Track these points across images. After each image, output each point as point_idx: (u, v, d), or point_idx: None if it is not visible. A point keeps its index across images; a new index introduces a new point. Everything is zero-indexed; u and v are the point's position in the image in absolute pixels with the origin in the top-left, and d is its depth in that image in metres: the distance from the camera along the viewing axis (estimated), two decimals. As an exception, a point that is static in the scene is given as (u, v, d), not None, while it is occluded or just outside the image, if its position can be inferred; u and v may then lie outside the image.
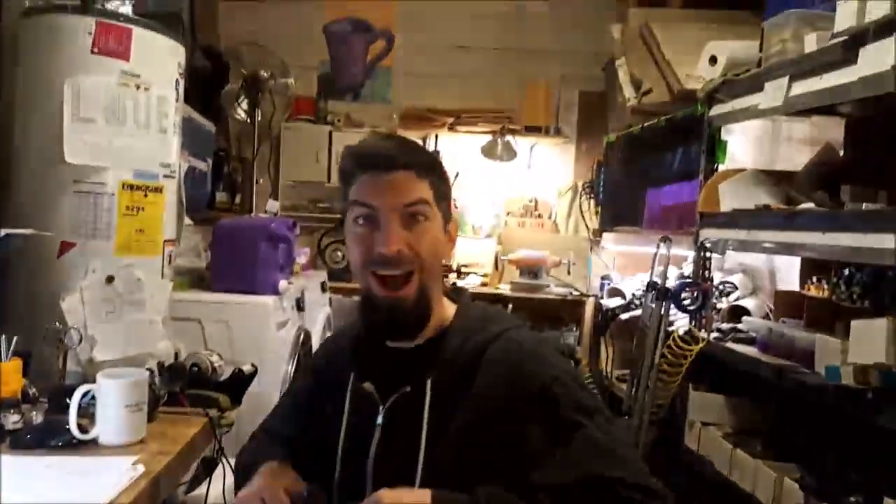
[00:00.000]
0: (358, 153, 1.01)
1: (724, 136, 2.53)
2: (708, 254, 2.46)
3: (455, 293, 1.11)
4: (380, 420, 1.01)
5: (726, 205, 2.27)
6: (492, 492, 0.89)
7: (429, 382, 0.99)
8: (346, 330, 1.17)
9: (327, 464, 1.06)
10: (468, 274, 4.08)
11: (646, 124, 3.13)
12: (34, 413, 1.20)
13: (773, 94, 1.98)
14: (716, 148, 2.47)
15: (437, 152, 3.96)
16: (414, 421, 0.98)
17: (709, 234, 2.38)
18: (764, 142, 2.76)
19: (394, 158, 0.98)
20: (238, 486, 1.07)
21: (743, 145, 2.73)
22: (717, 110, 2.41)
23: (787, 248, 1.98)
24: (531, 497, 0.90)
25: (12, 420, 1.16)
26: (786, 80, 1.92)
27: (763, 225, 2.03)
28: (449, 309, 1.07)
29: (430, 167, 1.02)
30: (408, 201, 0.97)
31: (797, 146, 2.61)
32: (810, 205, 1.93)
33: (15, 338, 1.25)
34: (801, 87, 1.88)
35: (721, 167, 2.48)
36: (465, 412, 0.96)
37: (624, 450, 0.95)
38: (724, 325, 2.39)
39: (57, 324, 1.37)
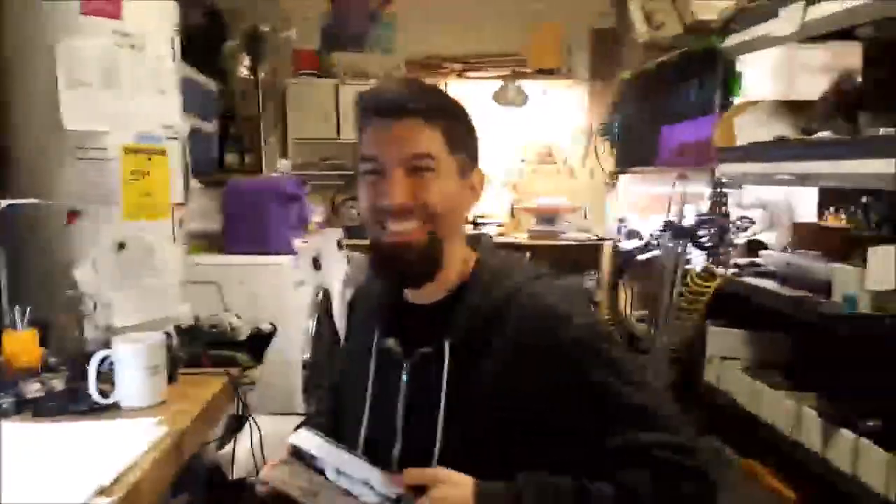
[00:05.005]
0: (365, 98, 0.97)
1: (739, 69, 2.45)
2: (725, 189, 2.41)
3: (474, 241, 1.05)
4: (404, 378, 0.98)
5: (743, 138, 2.21)
6: (533, 479, 0.86)
7: (447, 344, 0.95)
8: (371, 286, 1.14)
9: (356, 419, 1.04)
10: (484, 225, 4.07)
11: (660, 59, 3.03)
12: (55, 381, 1.21)
13: (788, 19, 1.91)
14: (731, 81, 2.40)
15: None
16: (435, 382, 0.95)
17: (725, 169, 2.33)
18: (780, 73, 2.67)
19: (400, 104, 0.92)
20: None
21: (759, 78, 2.65)
22: (731, 41, 2.34)
23: (805, 179, 1.93)
24: (568, 473, 0.87)
25: (33, 388, 1.18)
26: (801, 4, 1.84)
27: (780, 157, 1.98)
28: (471, 261, 1.02)
29: (444, 112, 0.96)
30: (413, 153, 0.92)
31: (814, 75, 2.52)
32: (826, 133, 1.87)
33: (28, 308, 1.26)
34: (817, 12, 1.82)
35: (737, 101, 2.41)
36: (487, 373, 0.92)
37: (655, 404, 0.91)
38: (742, 260, 2.36)
39: (71, 293, 1.38)
